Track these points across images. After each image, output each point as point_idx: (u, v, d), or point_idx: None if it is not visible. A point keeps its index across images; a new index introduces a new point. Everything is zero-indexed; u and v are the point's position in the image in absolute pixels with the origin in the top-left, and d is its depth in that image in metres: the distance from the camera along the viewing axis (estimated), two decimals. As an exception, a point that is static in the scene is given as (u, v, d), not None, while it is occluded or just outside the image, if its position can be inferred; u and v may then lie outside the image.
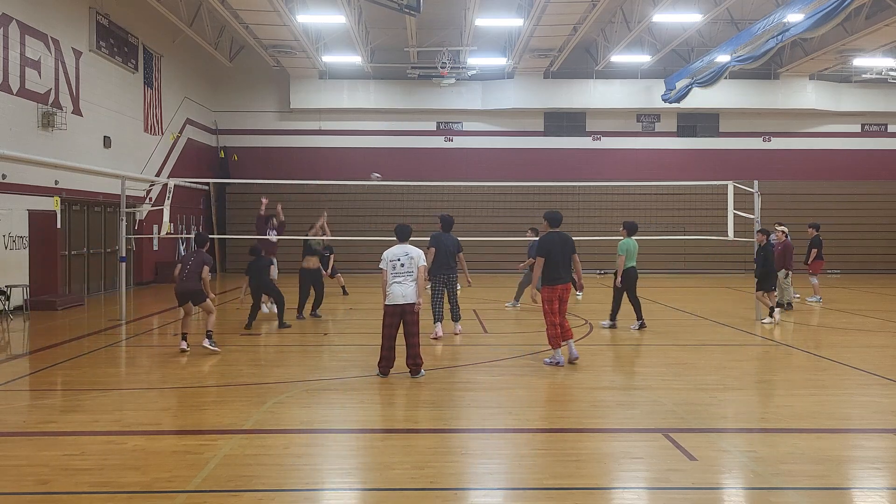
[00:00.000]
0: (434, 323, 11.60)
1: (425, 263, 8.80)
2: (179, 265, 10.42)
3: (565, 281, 9.23)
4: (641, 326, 12.34)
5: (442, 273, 11.72)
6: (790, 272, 15.05)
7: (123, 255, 14.63)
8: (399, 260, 8.62)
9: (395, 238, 8.90)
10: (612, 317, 12.56)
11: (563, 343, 9.22)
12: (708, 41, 25.24)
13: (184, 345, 10.18)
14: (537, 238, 15.47)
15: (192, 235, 11.10)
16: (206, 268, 10.25)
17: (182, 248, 24.82)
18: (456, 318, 12.00)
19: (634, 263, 12.36)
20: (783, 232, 15.07)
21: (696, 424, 6.68)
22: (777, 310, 13.25)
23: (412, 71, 26.20)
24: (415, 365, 8.63)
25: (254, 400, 7.47)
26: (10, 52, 14.96)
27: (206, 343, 10.13)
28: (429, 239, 11.92)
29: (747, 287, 17.91)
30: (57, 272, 16.15)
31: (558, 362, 9.11)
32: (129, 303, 15.73)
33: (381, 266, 8.69)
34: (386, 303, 8.59)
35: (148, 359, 10.36)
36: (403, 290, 8.53)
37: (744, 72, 25.32)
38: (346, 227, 22.74)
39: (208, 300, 10.32)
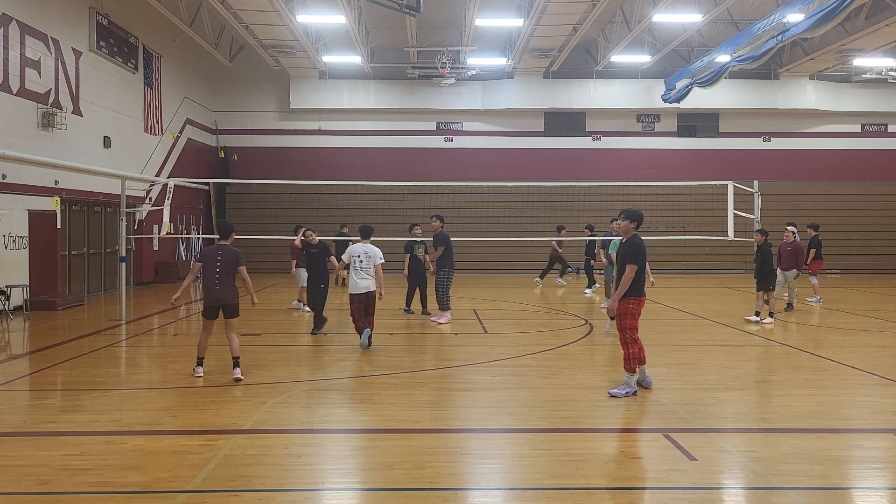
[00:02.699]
0: (441, 310, 13.22)
1: (382, 261, 10.32)
2: (200, 263, 8.48)
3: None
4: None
5: (448, 266, 13.29)
6: (800, 272, 15.01)
7: (123, 255, 14.63)
8: (359, 257, 10.22)
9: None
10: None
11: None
12: (708, 41, 25.24)
13: (199, 371, 8.55)
14: (594, 236, 15.45)
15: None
16: (243, 267, 8.50)
17: (182, 247, 24.81)
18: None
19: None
20: (792, 232, 15.04)
21: (696, 424, 6.68)
22: (769, 319, 13.21)
23: (412, 71, 26.20)
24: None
25: (254, 400, 7.48)
26: (10, 52, 14.96)
27: (237, 373, 8.37)
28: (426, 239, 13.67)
29: (747, 287, 17.91)
30: (57, 272, 16.15)
31: (634, 392, 7.73)
32: (129, 303, 15.74)
33: (342, 258, 10.54)
34: (351, 292, 10.28)
35: (148, 359, 10.37)
36: (365, 283, 10.22)
37: (744, 72, 25.32)
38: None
39: (249, 297, 8.63)
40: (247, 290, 8.63)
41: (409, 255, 13.98)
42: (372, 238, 10.53)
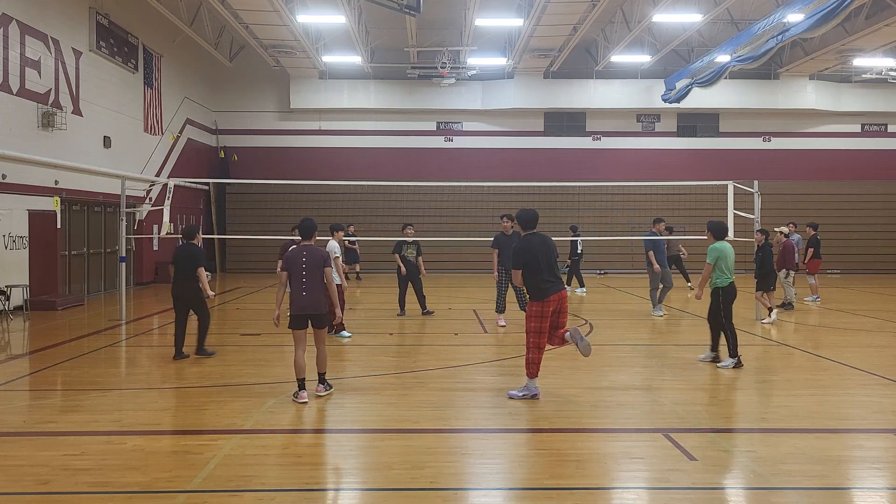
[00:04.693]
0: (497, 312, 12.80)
1: (337, 255, 11.08)
2: (286, 272, 7.50)
3: (558, 289, 7.48)
4: (737, 365, 9.21)
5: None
6: (790, 272, 15.07)
7: (123, 255, 14.64)
8: None
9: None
10: (713, 347, 9.67)
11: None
12: (708, 41, 25.24)
13: (304, 395, 7.39)
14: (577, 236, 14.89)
15: (297, 225, 7.73)
16: (329, 270, 7.51)
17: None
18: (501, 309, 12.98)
19: (732, 276, 9.75)
20: (781, 233, 15.11)
21: (696, 424, 6.68)
22: (775, 310, 13.27)
23: (412, 71, 26.20)
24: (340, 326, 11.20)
25: (254, 400, 7.47)
26: (10, 52, 14.96)
27: (321, 390, 7.62)
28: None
29: (747, 287, 17.88)
30: (57, 272, 16.15)
31: (535, 395, 7.48)
32: (129, 303, 15.73)
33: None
34: None
35: (148, 359, 10.35)
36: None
37: (744, 72, 25.32)
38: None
39: (333, 311, 7.68)
40: (329, 296, 7.58)
41: (398, 256, 13.82)
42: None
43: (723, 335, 9.42)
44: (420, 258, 13.99)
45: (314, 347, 7.65)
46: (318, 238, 7.88)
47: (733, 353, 9.26)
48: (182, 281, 9.67)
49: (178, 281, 9.72)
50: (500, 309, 12.78)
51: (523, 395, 7.50)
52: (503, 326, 12.65)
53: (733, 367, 9.15)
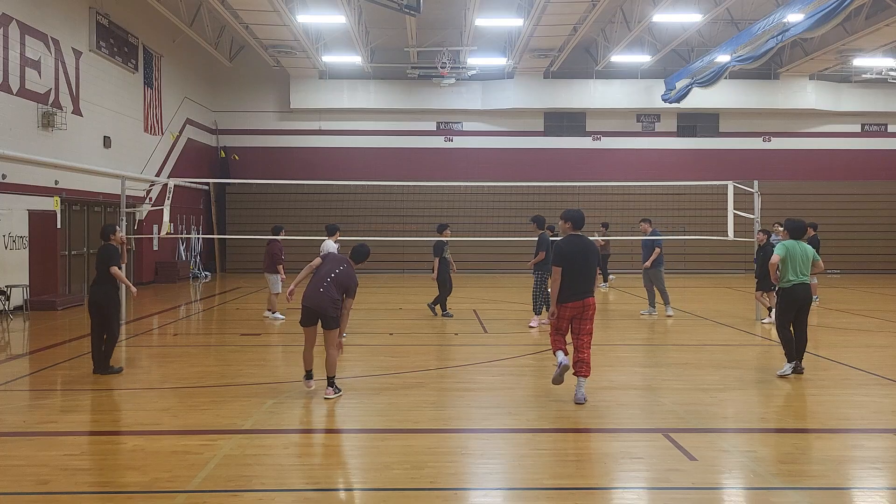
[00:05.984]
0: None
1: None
2: (319, 259, 7.95)
3: (580, 298, 7.43)
4: (795, 369, 8.75)
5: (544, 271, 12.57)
6: None
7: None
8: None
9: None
10: (790, 357, 8.86)
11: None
12: (708, 41, 25.24)
13: (311, 384, 7.79)
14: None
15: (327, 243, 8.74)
16: (351, 300, 7.75)
17: (182, 247, 24.77)
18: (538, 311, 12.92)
19: (798, 278, 8.75)
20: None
21: (696, 424, 6.68)
22: (774, 310, 13.23)
23: (412, 71, 26.21)
24: None
25: (254, 400, 7.47)
26: (10, 52, 14.96)
27: (329, 393, 7.60)
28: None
29: (747, 287, 17.90)
30: (57, 272, 16.14)
31: (562, 363, 7.42)
32: (129, 303, 15.72)
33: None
34: None
35: (148, 359, 10.35)
36: None
37: (744, 72, 25.32)
38: (345, 227, 22.70)
39: (339, 330, 7.68)
40: (341, 323, 7.70)
41: (438, 258, 13.82)
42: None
43: (799, 342, 8.81)
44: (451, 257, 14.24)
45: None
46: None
47: (788, 357, 8.78)
48: (95, 284, 9.00)
49: (92, 284, 9.09)
50: (535, 309, 12.90)
51: (557, 367, 7.43)
52: (532, 327, 12.67)
53: (791, 373, 8.69)
